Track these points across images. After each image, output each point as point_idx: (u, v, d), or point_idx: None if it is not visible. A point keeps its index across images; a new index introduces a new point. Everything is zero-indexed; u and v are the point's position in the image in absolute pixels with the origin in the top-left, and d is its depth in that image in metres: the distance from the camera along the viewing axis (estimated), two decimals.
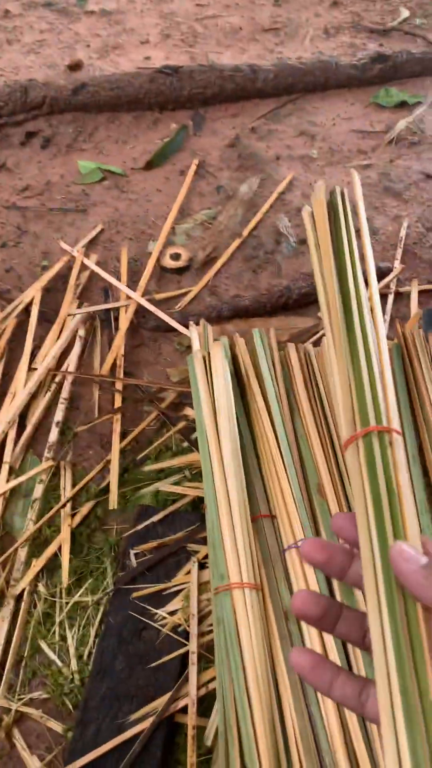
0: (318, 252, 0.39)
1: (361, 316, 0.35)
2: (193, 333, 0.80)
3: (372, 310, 0.36)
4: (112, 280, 1.01)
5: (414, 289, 0.95)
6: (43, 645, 0.68)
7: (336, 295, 0.36)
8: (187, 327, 0.93)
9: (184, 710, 0.60)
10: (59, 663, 0.67)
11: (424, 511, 0.64)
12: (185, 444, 0.81)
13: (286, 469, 0.66)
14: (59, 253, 1.09)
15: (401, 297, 0.96)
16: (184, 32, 1.68)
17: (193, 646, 0.62)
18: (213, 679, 0.61)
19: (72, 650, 0.67)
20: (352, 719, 0.54)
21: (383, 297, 0.96)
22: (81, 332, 0.96)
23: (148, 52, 1.62)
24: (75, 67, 1.55)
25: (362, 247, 0.40)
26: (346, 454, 0.33)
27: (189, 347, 0.93)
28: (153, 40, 1.66)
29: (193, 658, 0.61)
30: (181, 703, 0.60)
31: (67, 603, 0.70)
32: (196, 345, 0.78)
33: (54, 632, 0.69)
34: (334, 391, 0.36)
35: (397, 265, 0.99)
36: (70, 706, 0.64)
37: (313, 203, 0.40)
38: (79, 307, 0.99)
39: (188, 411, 0.85)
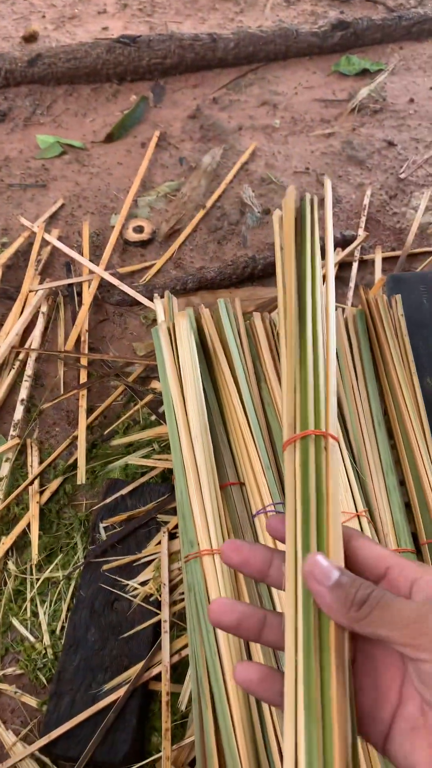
0: (282, 255, 0.40)
1: (314, 323, 0.36)
2: (158, 305, 0.79)
3: (326, 316, 0.37)
4: (75, 254, 1.00)
5: (378, 256, 0.95)
6: (15, 622, 0.68)
7: (293, 299, 0.37)
8: (152, 300, 0.92)
9: (158, 678, 0.60)
10: (32, 639, 0.66)
11: (390, 472, 0.65)
12: (153, 417, 0.81)
13: (253, 437, 0.66)
14: (19, 229, 1.07)
15: (365, 264, 0.96)
16: (143, 2, 1.64)
17: (165, 614, 0.62)
18: (185, 646, 0.62)
19: (44, 625, 0.67)
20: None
21: (348, 265, 0.96)
22: (44, 308, 0.94)
23: (105, 22, 1.58)
24: (30, 38, 1.50)
25: (326, 251, 0.41)
26: (284, 454, 0.34)
27: (154, 321, 0.93)
28: (110, 10, 1.62)
29: (165, 627, 0.61)
30: (154, 671, 0.60)
31: (37, 579, 0.70)
32: (161, 317, 0.77)
33: (25, 609, 0.68)
34: (281, 391, 0.37)
35: (361, 233, 0.99)
36: (44, 681, 0.64)
37: (284, 208, 0.40)
38: (41, 283, 0.97)
39: (155, 384, 0.84)
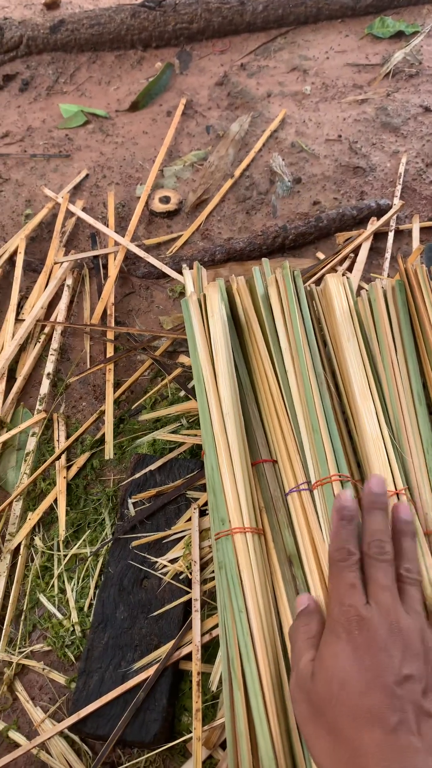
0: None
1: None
2: (187, 277, 0.77)
3: None
4: (100, 226, 0.97)
5: (415, 225, 0.91)
6: (43, 598, 0.67)
7: None
8: (179, 272, 0.89)
9: (188, 657, 0.59)
10: (59, 615, 0.65)
11: (431, 451, 0.62)
12: (181, 393, 0.78)
13: (287, 413, 0.64)
14: (43, 200, 1.05)
15: (401, 234, 0.92)
16: None
17: (195, 593, 0.61)
18: (216, 625, 0.60)
19: (72, 602, 0.66)
20: None
21: (383, 235, 0.92)
22: (69, 281, 0.92)
23: None
24: (52, 5, 1.46)
25: None
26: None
27: (182, 294, 0.90)
28: None
29: (196, 605, 0.60)
30: (185, 651, 0.59)
31: (65, 556, 0.69)
32: (190, 288, 0.74)
33: (53, 585, 0.67)
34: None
35: (397, 202, 0.95)
36: (72, 658, 0.63)
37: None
38: (65, 255, 0.94)
39: (183, 358, 0.82)
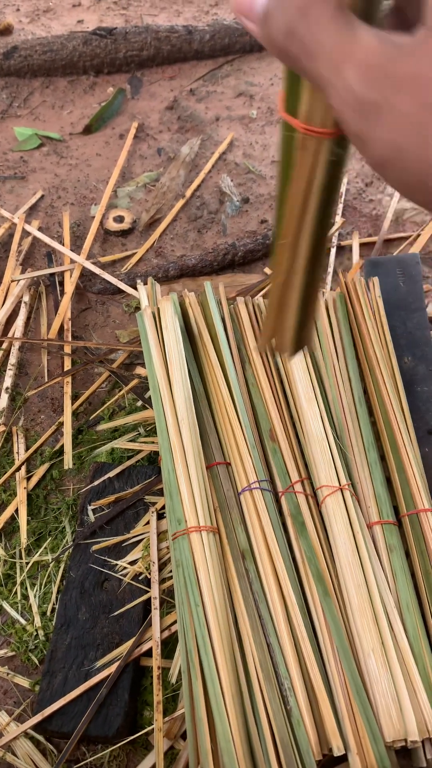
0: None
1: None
2: (142, 292, 0.80)
3: None
4: (56, 244, 1.00)
5: (355, 242, 0.97)
6: (6, 605, 0.68)
7: None
8: (134, 288, 0.93)
9: (149, 653, 0.62)
10: (23, 621, 0.67)
11: (371, 448, 0.67)
12: (139, 403, 0.82)
13: (239, 417, 0.68)
14: (0, 220, 1.07)
15: (343, 250, 0.98)
16: None
17: (154, 592, 0.63)
18: (175, 622, 0.63)
19: (35, 608, 0.67)
20: (306, 647, 0.56)
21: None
22: (26, 298, 0.94)
23: (80, 15, 1.58)
24: (5, 31, 1.50)
25: None
26: None
27: (137, 308, 0.93)
28: (85, 3, 1.62)
29: (155, 603, 0.63)
30: (145, 647, 0.61)
31: (27, 563, 0.71)
32: (144, 302, 0.78)
33: (15, 592, 0.69)
34: None
35: (338, 220, 1.01)
36: (36, 662, 0.64)
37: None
38: (22, 273, 0.97)
39: (140, 370, 0.85)
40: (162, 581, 0.65)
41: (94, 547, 0.67)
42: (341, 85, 0.22)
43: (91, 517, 0.70)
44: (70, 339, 0.89)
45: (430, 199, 0.22)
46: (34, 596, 0.68)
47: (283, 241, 0.36)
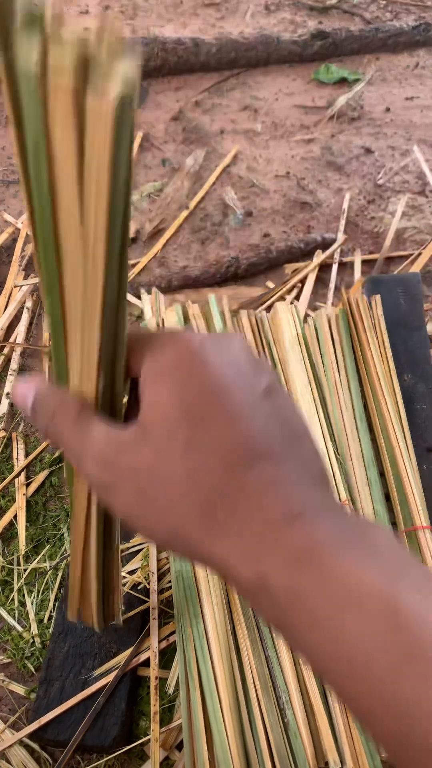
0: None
1: None
2: (146, 302, 0.81)
3: None
4: None
5: (357, 259, 0.98)
6: (3, 612, 0.68)
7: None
8: (137, 297, 0.93)
9: (146, 663, 0.62)
10: (19, 628, 0.67)
11: (371, 465, 0.68)
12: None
13: None
14: (3, 225, 1.07)
15: (344, 266, 0.99)
16: (124, 4, 1.66)
17: (153, 602, 0.64)
18: (173, 632, 0.63)
19: (32, 615, 0.67)
20: None
21: (328, 267, 0.99)
22: (28, 304, 0.95)
23: (87, 23, 1.59)
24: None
25: None
26: None
27: (139, 317, 0.94)
28: (92, 12, 1.63)
29: (154, 614, 0.63)
30: (143, 657, 0.62)
31: (25, 570, 0.71)
32: (148, 313, 0.79)
33: (13, 599, 0.69)
34: None
35: (341, 236, 1.02)
36: (32, 669, 0.64)
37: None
38: (25, 278, 0.97)
39: None
40: (161, 591, 0.65)
41: None
42: (84, 472, 0.30)
43: None
44: None
45: (159, 546, 0.31)
46: (32, 603, 0.68)
47: (74, 540, 0.44)
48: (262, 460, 0.27)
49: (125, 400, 0.34)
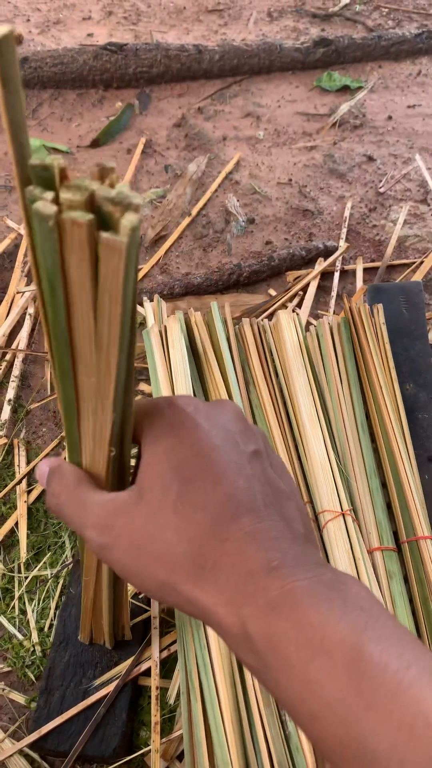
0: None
1: None
2: (148, 308, 0.81)
3: None
4: None
5: (359, 267, 0.98)
6: (3, 620, 0.68)
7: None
8: (140, 305, 0.93)
9: (147, 673, 0.62)
10: (20, 636, 0.67)
11: (373, 475, 0.68)
12: None
13: None
14: (5, 231, 1.07)
15: (346, 274, 1.00)
16: (127, 10, 1.66)
17: (154, 611, 0.63)
18: (174, 642, 0.63)
19: (32, 623, 0.67)
20: None
21: (329, 274, 0.99)
22: (30, 310, 0.95)
23: (90, 28, 1.60)
24: (15, 41, 1.51)
25: None
26: None
27: (141, 324, 0.94)
28: (95, 17, 1.64)
29: (155, 623, 0.63)
30: (144, 666, 0.61)
31: (26, 578, 0.70)
32: (150, 320, 0.79)
33: (13, 607, 0.69)
34: None
35: (342, 244, 1.02)
36: (33, 678, 0.64)
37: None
38: (27, 284, 0.97)
39: (143, 386, 0.85)
40: None
41: None
42: (86, 538, 0.33)
43: None
44: None
45: (151, 597, 0.34)
46: (32, 611, 0.68)
47: (86, 580, 0.49)
48: (246, 515, 0.30)
49: (133, 463, 0.37)
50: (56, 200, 0.23)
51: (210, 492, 0.30)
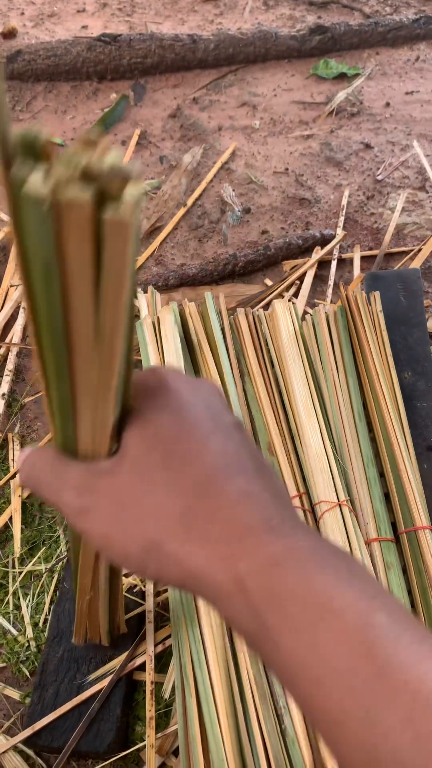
0: None
1: None
2: (142, 300, 0.80)
3: None
4: None
5: (356, 255, 0.97)
6: None
7: None
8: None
9: (142, 668, 0.61)
10: (14, 632, 0.66)
11: (370, 464, 0.67)
12: None
13: None
14: (0, 224, 1.06)
15: (344, 263, 0.98)
16: (122, 1, 1.65)
17: (149, 605, 0.63)
18: (169, 636, 0.62)
19: (27, 618, 0.66)
20: None
21: (327, 263, 0.98)
22: (25, 303, 0.94)
23: (85, 21, 1.58)
24: (9, 34, 1.50)
25: None
26: None
27: (136, 317, 0.93)
28: (90, 9, 1.62)
29: (149, 617, 0.62)
30: (138, 661, 0.61)
31: (20, 573, 0.70)
32: (144, 311, 0.78)
33: (8, 602, 0.68)
34: None
35: (340, 232, 1.01)
36: (27, 673, 0.64)
37: None
38: None
39: None
40: (157, 594, 0.64)
41: None
42: (62, 503, 0.31)
43: None
44: None
45: (132, 568, 0.30)
46: (27, 606, 0.67)
47: (82, 583, 0.47)
48: (239, 476, 0.29)
49: None
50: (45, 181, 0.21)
51: (202, 450, 0.29)
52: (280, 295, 0.92)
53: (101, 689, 0.59)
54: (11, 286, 0.95)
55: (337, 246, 0.98)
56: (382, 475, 0.68)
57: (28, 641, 0.65)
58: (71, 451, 0.32)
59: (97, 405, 0.29)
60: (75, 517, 0.31)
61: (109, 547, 0.30)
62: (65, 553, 0.69)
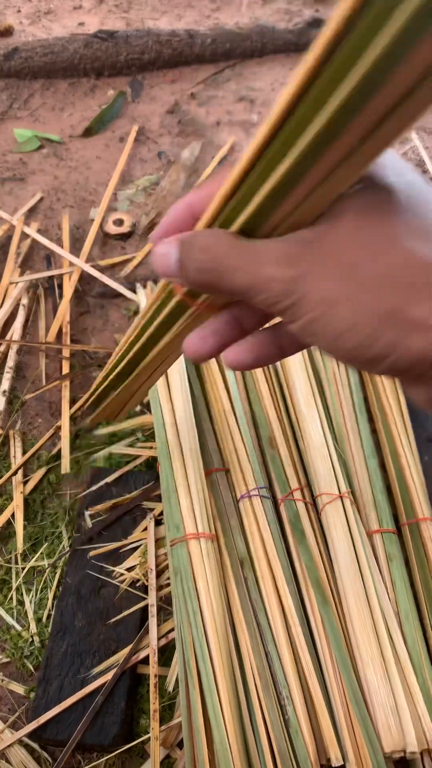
0: None
1: None
2: (141, 295, 0.80)
3: None
4: (55, 247, 0.99)
5: None
6: (1, 611, 0.68)
7: None
8: (134, 292, 0.92)
9: (146, 661, 0.61)
10: (18, 627, 0.66)
11: (371, 456, 0.67)
12: (137, 407, 0.81)
13: (238, 423, 0.67)
14: None
15: None
16: None
17: (152, 599, 0.63)
18: (172, 629, 0.62)
19: (30, 614, 0.67)
20: (304, 655, 0.56)
21: None
22: (24, 301, 0.94)
23: (81, 17, 1.58)
24: (5, 32, 1.49)
25: None
26: None
27: (136, 312, 0.93)
28: (86, 6, 1.62)
29: (152, 611, 0.62)
30: (142, 654, 0.61)
31: (23, 569, 0.70)
32: (143, 306, 0.77)
33: (11, 598, 0.68)
34: None
35: None
36: (32, 668, 0.64)
37: None
38: (21, 275, 0.96)
39: None
40: (159, 588, 0.64)
41: (91, 553, 0.67)
42: (263, 281, 0.26)
43: (89, 522, 0.69)
44: (68, 342, 0.88)
45: (352, 343, 0.25)
46: (30, 602, 0.67)
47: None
48: None
49: None
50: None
51: None
52: None
53: (105, 683, 0.59)
54: (11, 283, 0.95)
55: None
56: (383, 466, 0.68)
57: (31, 636, 0.65)
58: (248, 230, 0.28)
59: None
60: (280, 293, 0.26)
61: (329, 316, 0.25)
62: (67, 549, 0.70)
